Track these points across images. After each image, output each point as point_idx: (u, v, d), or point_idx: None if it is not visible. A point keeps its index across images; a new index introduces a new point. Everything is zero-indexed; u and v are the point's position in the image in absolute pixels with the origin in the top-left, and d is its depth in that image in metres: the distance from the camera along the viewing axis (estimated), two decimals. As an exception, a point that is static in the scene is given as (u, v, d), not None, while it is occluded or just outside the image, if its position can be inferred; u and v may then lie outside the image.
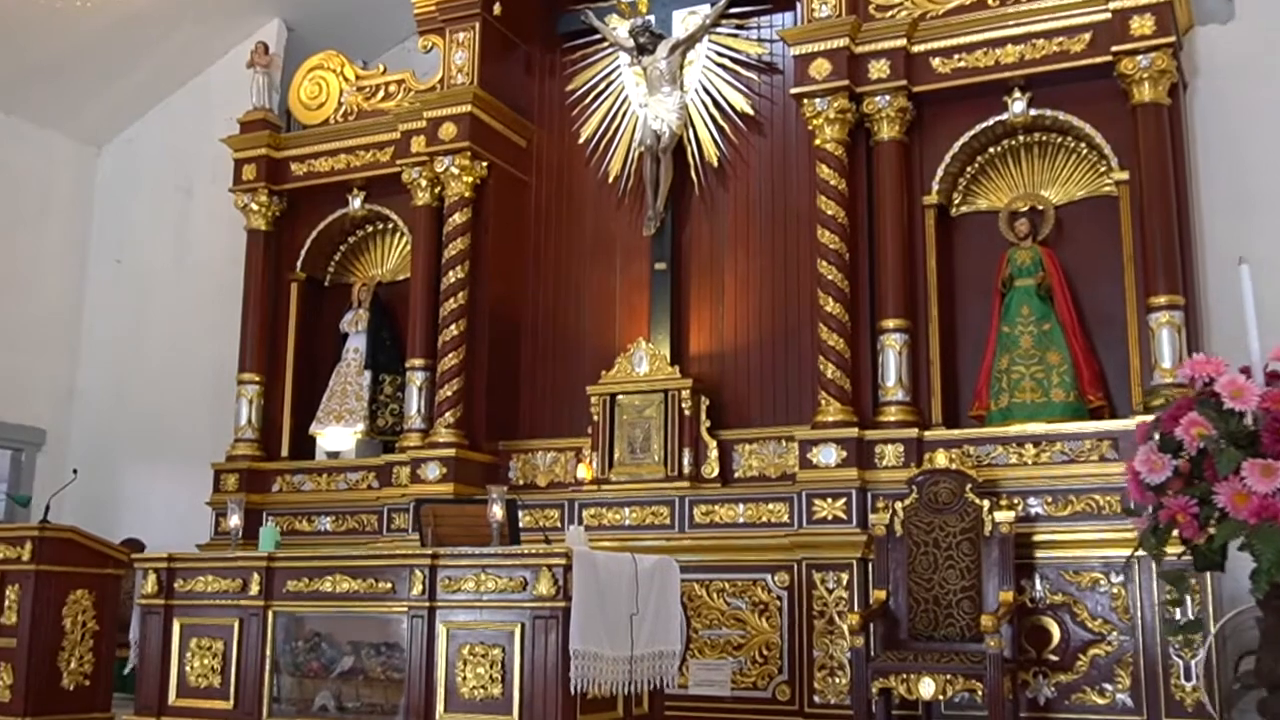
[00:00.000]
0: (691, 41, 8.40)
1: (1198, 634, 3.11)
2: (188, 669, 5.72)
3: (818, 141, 7.48)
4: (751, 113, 8.30)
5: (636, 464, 7.82)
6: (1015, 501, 6.61)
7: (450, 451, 8.02)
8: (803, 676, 6.91)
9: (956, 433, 7.03)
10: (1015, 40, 7.17)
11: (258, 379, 9.08)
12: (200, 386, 9.82)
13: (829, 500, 7.01)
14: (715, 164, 8.31)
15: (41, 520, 6.47)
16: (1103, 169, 7.25)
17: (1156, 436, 2.97)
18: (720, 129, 8.33)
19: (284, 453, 9.10)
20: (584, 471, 7.91)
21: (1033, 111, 7.26)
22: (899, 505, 6.66)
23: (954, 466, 6.64)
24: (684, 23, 8.49)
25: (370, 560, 5.43)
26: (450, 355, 8.23)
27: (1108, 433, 6.67)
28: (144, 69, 10.20)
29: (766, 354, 8.00)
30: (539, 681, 4.91)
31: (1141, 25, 6.79)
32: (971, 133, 7.41)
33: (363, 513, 8.50)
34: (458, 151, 8.38)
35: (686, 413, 7.74)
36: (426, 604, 5.18)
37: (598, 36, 8.73)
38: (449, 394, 8.18)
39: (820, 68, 7.44)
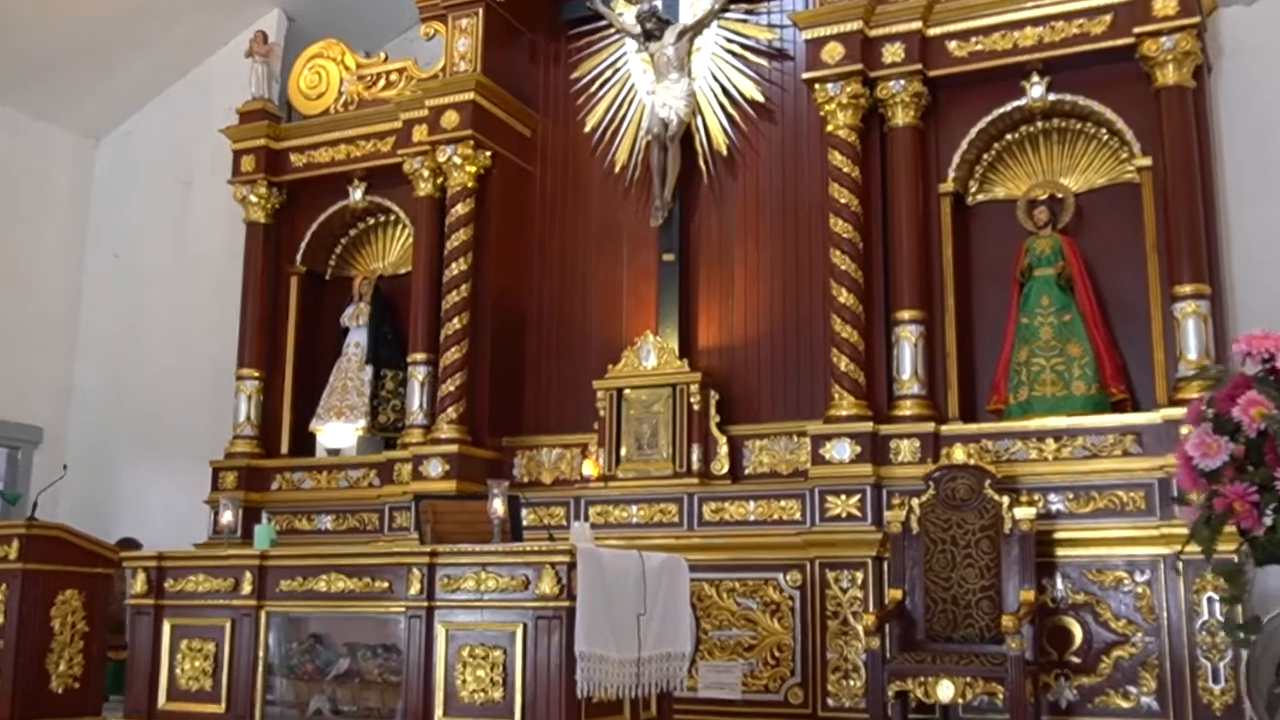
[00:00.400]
0: (699, 27, 8.20)
1: (1257, 634, 2.93)
2: (178, 671, 5.54)
3: (830, 128, 7.31)
4: (761, 100, 8.11)
5: (644, 460, 7.65)
6: (1035, 498, 6.47)
7: (453, 448, 7.86)
8: (816, 679, 6.75)
9: (974, 427, 6.85)
10: (1034, 22, 6.99)
11: (257, 374, 8.93)
12: (200, 383, 9.66)
13: (843, 497, 6.84)
14: (724, 152, 8.13)
15: (29, 518, 6.27)
16: (1124, 155, 7.07)
17: (1210, 417, 2.74)
18: (729, 116, 8.15)
19: (284, 450, 8.95)
20: (590, 468, 7.75)
21: (1052, 96, 7.08)
22: (915, 502, 6.48)
23: (972, 462, 6.46)
24: (692, 8, 8.28)
25: (366, 559, 5.24)
26: (453, 349, 8.07)
27: (1131, 427, 6.50)
28: (143, 60, 10.03)
29: (778, 347, 7.82)
30: (542, 685, 4.73)
31: (1164, 6, 6.60)
32: (989, 118, 7.22)
33: (364, 511, 8.35)
34: (460, 140, 8.21)
35: (695, 407, 7.57)
36: (425, 604, 5.00)
37: (603, 23, 8.54)
38: (451, 389, 8.02)
39: (833, 51, 7.26)
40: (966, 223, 7.42)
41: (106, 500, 9.75)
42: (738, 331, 7.96)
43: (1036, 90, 7.09)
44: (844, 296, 7.06)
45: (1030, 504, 6.34)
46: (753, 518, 7.28)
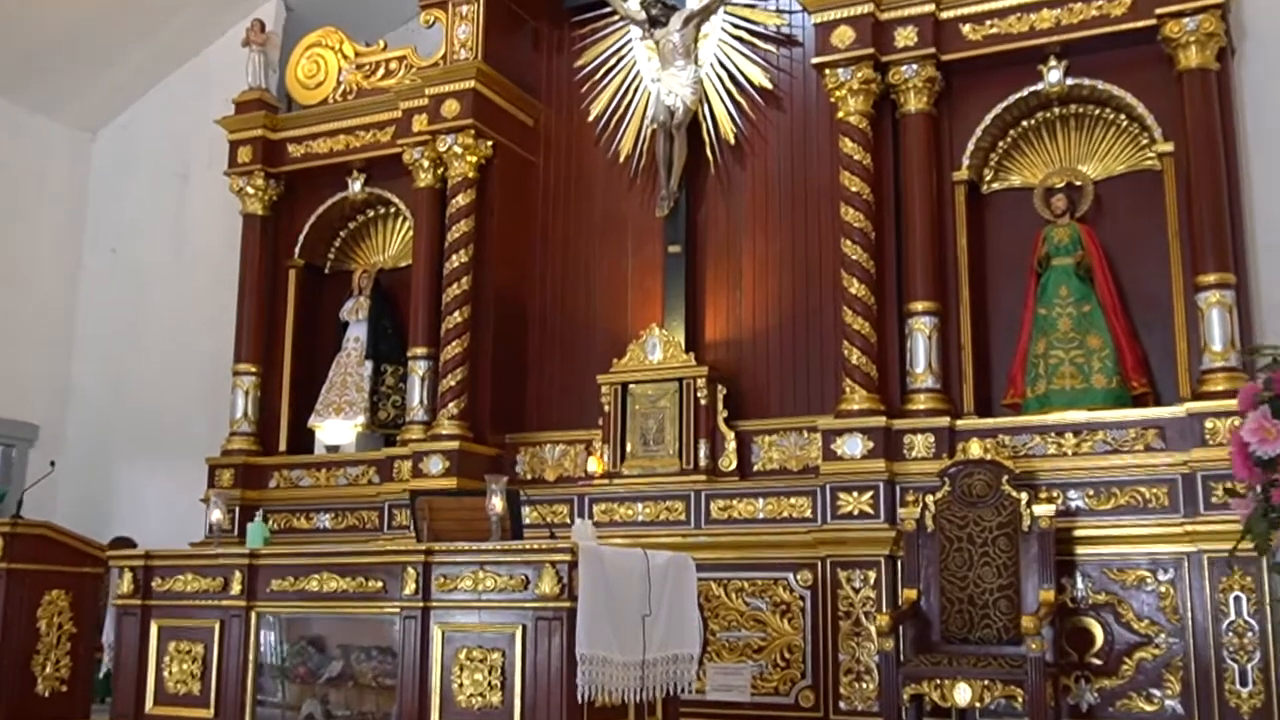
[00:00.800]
0: (706, 13, 8.00)
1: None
2: (165, 674, 5.34)
3: (840, 114, 7.13)
4: (769, 87, 7.92)
5: (650, 457, 7.49)
6: (1054, 494, 6.31)
7: (453, 444, 7.69)
8: (827, 681, 6.58)
9: (991, 421, 6.69)
10: (1051, 4, 6.81)
11: (254, 370, 8.77)
12: (198, 381, 9.52)
13: (855, 494, 6.67)
14: (731, 141, 7.95)
15: (14, 515, 6.08)
16: (1144, 141, 6.90)
17: (1268, 399, 2.52)
18: (737, 104, 7.96)
19: (281, 447, 8.79)
20: (594, 465, 7.60)
21: (1070, 81, 6.90)
22: (930, 499, 6.30)
23: (989, 457, 6.26)
24: (698, -7, 8.10)
25: (359, 557, 5.03)
26: (454, 343, 7.91)
27: (1154, 421, 6.33)
28: (140, 51, 9.89)
29: (787, 340, 7.64)
30: (542, 688, 4.52)
31: (1187, -14, 6.40)
32: (1004, 104, 7.05)
33: (363, 509, 8.21)
34: (461, 130, 8.05)
35: (702, 402, 7.39)
36: (420, 604, 4.78)
37: (608, 10, 8.34)
38: (452, 384, 7.86)
39: (843, 36, 7.08)
40: (981, 211, 7.24)
41: (104, 499, 9.68)
42: (746, 324, 7.79)
43: (1054, 74, 6.91)
44: (855, 287, 6.88)
45: (1049, 500, 6.16)
46: (762, 515, 7.10)
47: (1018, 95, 6.99)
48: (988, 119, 7.05)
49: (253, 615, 5.21)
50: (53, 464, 7.12)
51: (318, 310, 9.12)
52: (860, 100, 7.06)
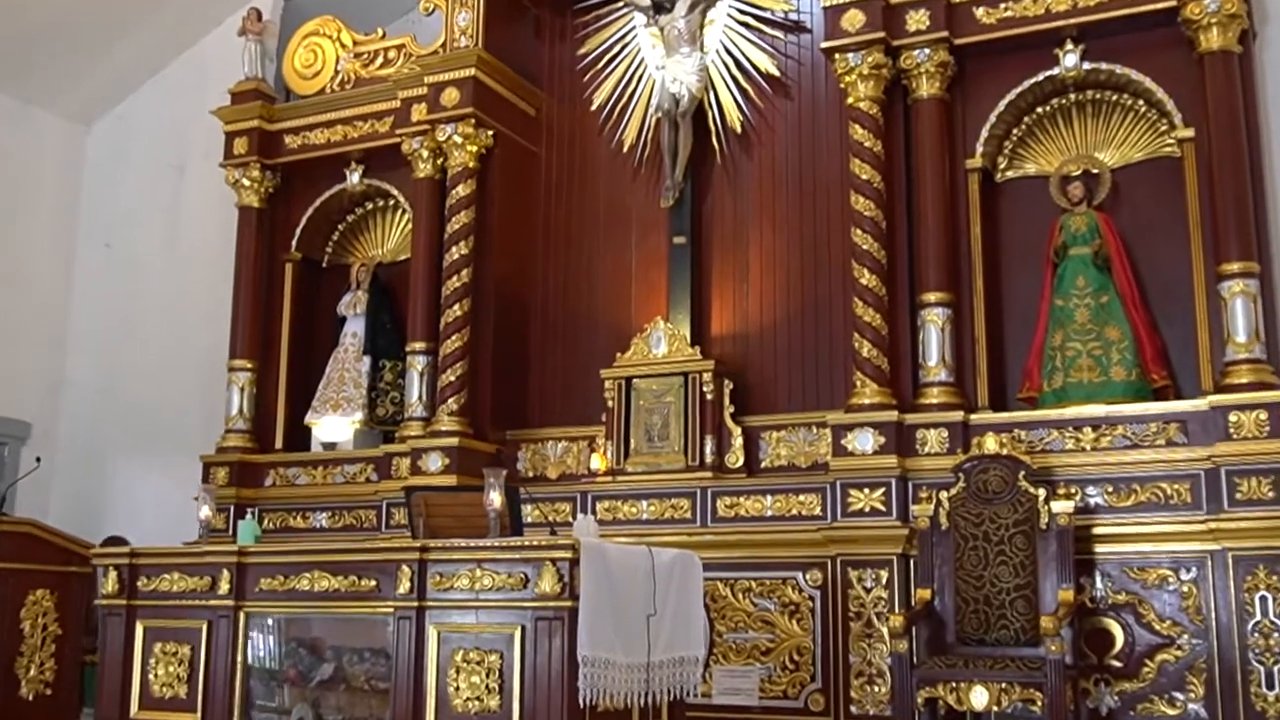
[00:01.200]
0: (712, -1, 7.82)
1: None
2: (151, 677, 5.14)
3: (850, 100, 6.96)
4: (777, 74, 7.74)
5: (654, 453, 7.32)
6: (1072, 491, 6.11)
7: (453, 441, 7.52)
8: (838, 684, 6.42)
9: (1006, 416, 6.52)
10: (1068, -14, 6.62)
11: (250, 365, 8.60)
12: (194, 377, 9.36)
13: (866, 490, 6.50)
14: (738, 129, 7.77)
15: (-3, 512, 5.92)
16: (1163, 127, 6.74)
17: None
18: (743, 92, 7.78)
19: (278, 444, 8.62)
20: (598, 462, 7.42)
21: (1086, 65, 6.72)
22: (944, 495, 6.14)
23: (1005, 452, 6.05)
24: (704, -22, 7.91)
25: (351, 555, 4.84)
26: (453, 337, 7.74)
27: (1176, 415, 6.15)
28: (136, 41, 9.72)
29: (795, 332, 7.46)
30: (542, 692, 4.33)
31: (1208, -34, 6.24)
32: (1019, 89, 6.88)
33: (360, 508, 8.04)
34: (461, 119, 7.87)
35: (708, 397, 7.22)
36: (415, 604, 4.59)
37: (612, -4, 8.19)
38: (452, 379, 7.69)
39: (853, 19, 6.92)
40: (995, 200, 7.07)
41: (98, 497, 9.55)
42: (753, 317, 7.61)
43: (1070, 59, 6.73)
44: (866, 278, 6.71)
45: (1067, 497, 5.96)
46: (770, 513, 6.93)
47: (1033, 80, 6.82)
48: (1002, 105, 6.89)
49: (241, 616, 5.02)
50: (38, 460, 6.94)
51: (315, 305, 8.96)
52: (871, 86, 6.89)
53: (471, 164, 7.92)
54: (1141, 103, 6.78)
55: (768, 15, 7.78)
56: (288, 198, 8.90)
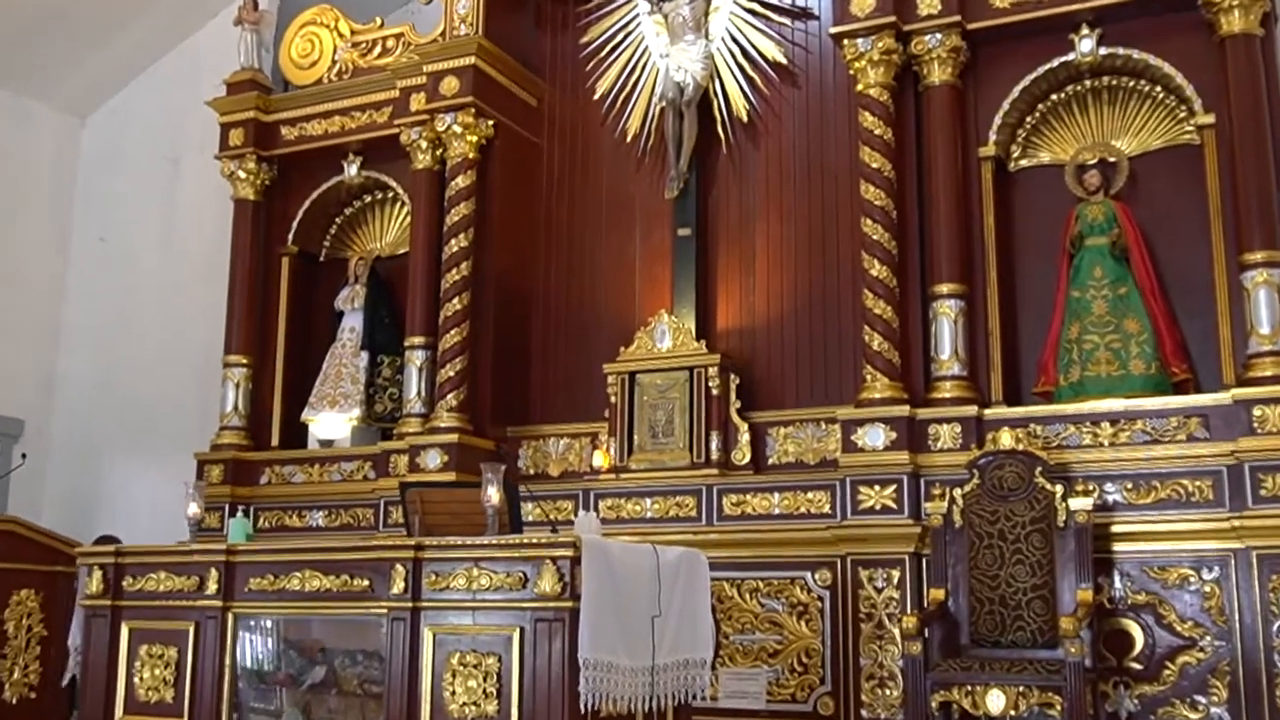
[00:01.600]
0: (717, -15, 7.67)
1: None
2: (136, 680, 4.95)
3: (860, 87, 6.81)
4: (784, 61, 7.57)
5: (659, 450, 7.16)
6: (1090, 487, 5.95)
7: (452, 437, 7.37)
8: (848, 688, 6.29)
9: (1021, 410, 6.36)
10: (1084, -31, 6.46)
11: (245, 361, 8.46)
12: (190, 374, 9.22)
13: (877, 488, 6.34)
14: (744, 118, 7.60)
15: (-22, 510, 5.75)
16: (1182, 114, 6.57)
17: None
18: (749, 80, 7.61)
19: (274, 442, 8.48)
20: (600, 459, 7.25)
21: (1103, 50, 6.56)
22: (958, 492, 5.99)
23: (1021, 447, 5.86)
24: (708, -36, 7.76)
25: (343, 553, 4.66)
26: (453, 332, 7.60)
27: (1197, 409, 5.99)
28: (131, 32, 9.60)
29: (803, 325, 7.30)
30: (541, 696, 4.16)
31: (1228, -54, 6.08)
32: (1033, 76, 6.71)
33: (358, 506, 7.90)
34: (460, 108, 7.74)
35: (714, 392, 7.08)
36: (409, 604, 4.42)
37: (615, -17, 8.03)
38: (451, 374, 7.54)
39: (863, 4, 6.78)
40: (1009, 189, 6.91)
41: (92, 496, 9.42)
42: (760, 310, 7.45)
43: (1086, 44, 6.57)
44: (876, 269, 6.55)
45: (1086, 494, 5.79)
46: (777, 511, 6.79)
47: (1047, 67, 6.66)
48: (1016, 92, 6.72)
49: (230, 616, 4.84)
50: (24, 456, 6.77)
51: (312, 300, 8.82)
52: (881, 72, 6.73)
53: (471, 155, 7.77)
54: (1160, 89, 6.61)
55: (774, 1, 7.61)
56: (284, 190, 8.77)
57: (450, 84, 7.75)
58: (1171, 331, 6.34)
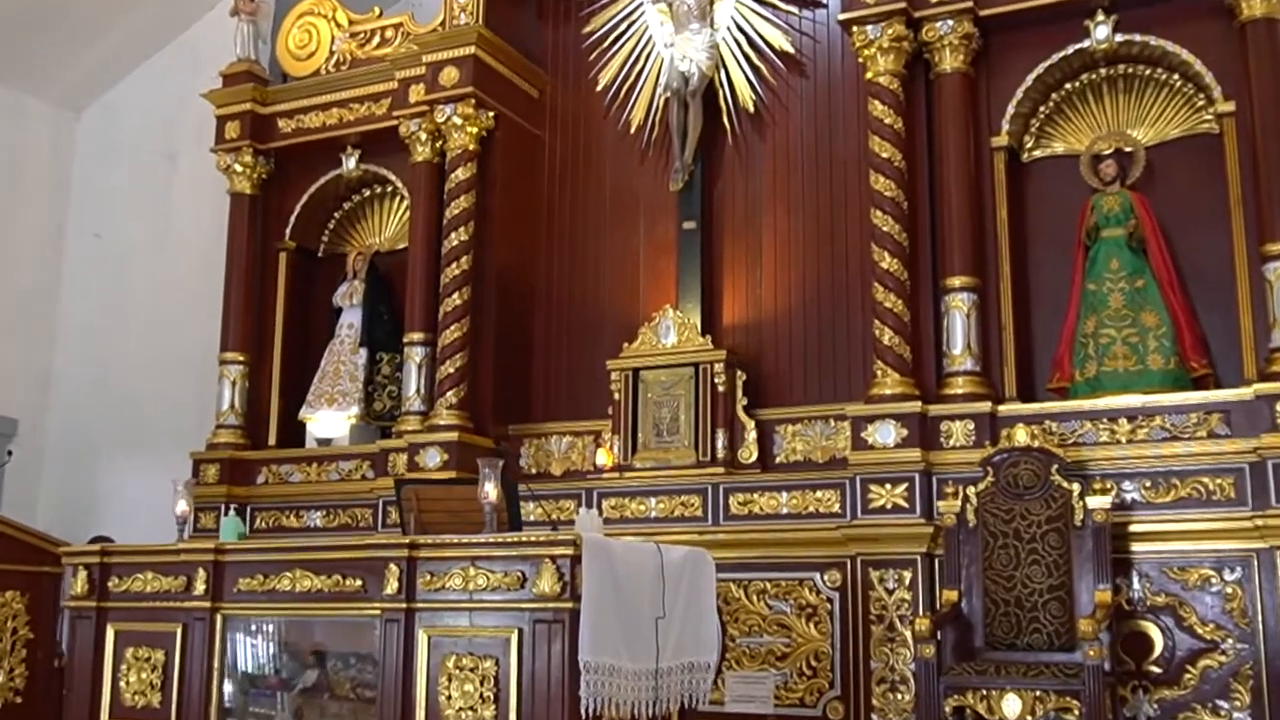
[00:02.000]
0: (723, -27, 7.52)
1: None
2: (122, 684, 4.81)
3: (870, 75, 6.67)
4: (791, 51, 7.42)
5: (663, 448, 7.02)
6: (1107, 486, 5.77)
7: (452, 435, 7.22)
8: (858, 692, 6.14)
9: (1036, 406, 6.21)
10: (1100, -46, 6.34)
11: (242, 359, 8.32)
12: (186, 372, 9.11)
13: (887, 486, 6.20)
14: (750, 109, 7.44)
15: (-37, 509, 5.60)
16: (1200, 103, 6.42)
17: None
18: (756, 69, 7.45)
19: (270, 440, 8.33)
20: (604, 457, 7.11)
21: (1119, 38, 6.41)
22: (971, 491, 5.85)
23: (1036, 444, 5.70)
24: (714, -48, 7.62)
25: (336, 553, 4.51)
26: (453, 327, 7.46)
27: (1218, 404, 5.83)
28: (126, 25, 9.49)
29: (811, 320, 7.14)
30: (540, 700, 4.02)
31: (1248, -73, 5.95)
32: (1047, 64, 6.56)
33: (356, 506, 7.75)
34: (460, 99, 7.59)
35: (720, 389, 6.94)
36: (403, 605, 4.27)
37: (618, -28, 7.88)
38: (451, 371, 7.40)
39: (872, -11, 6.58)
40: (1022, 180, 6.76)
41: (87, 495, 9.31)
42: (767, 305, 7.30)
43: (1101, 31, 6.42)
44: (887, 261, 6.41)
45: (1103, 492, 5.63)
46: (785, 510, 6.64)
47: (1062, 54, 6.51)
48: (1029, 80, 6.58)
49: (218, 618, 4.70)
50: (10, 453, 6.62)
51: (310, 296, 8.68)
52: (891, 60, 6.58)
53: (471, 146, 7.63)
54: (1177, 77, 6.46)
55: (781, -11, 7.47)
56: (281, 184, 8.63)
57: (450, 75, 7.61)
58: (1191, 325, 6.18)
